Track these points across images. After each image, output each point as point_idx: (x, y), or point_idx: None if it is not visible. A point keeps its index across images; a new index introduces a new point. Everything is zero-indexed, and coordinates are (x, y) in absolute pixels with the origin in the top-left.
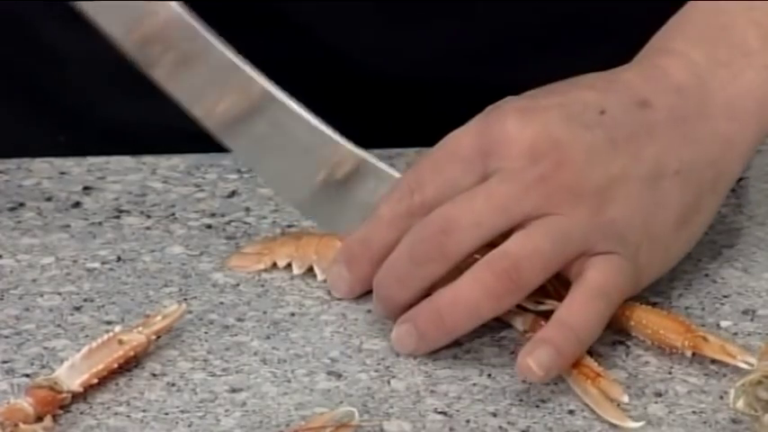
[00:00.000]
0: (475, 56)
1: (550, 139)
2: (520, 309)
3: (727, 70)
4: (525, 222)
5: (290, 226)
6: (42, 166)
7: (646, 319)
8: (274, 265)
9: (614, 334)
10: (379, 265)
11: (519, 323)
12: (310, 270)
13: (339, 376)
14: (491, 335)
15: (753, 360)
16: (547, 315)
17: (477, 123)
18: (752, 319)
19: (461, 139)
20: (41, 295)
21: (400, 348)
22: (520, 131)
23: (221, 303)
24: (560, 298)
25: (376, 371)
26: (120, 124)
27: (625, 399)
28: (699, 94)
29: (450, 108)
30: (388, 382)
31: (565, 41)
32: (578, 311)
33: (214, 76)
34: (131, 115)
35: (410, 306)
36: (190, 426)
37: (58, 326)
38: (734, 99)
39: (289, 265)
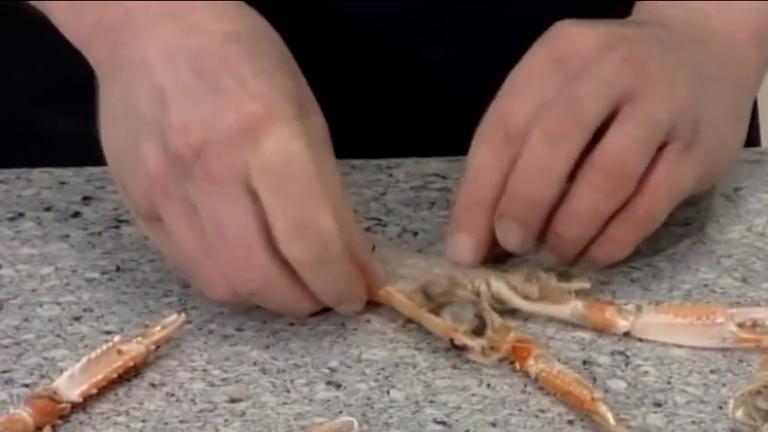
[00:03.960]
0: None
1: (616, 34)
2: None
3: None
4: (622, 105)
5: None
6: (42, 176)
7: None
8: None
9: (613, 344)
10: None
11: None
12: None
13: (338, 386)
14: None
15: None
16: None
17: (539, 44)
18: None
19: (530, 60)
20: (41, 305)
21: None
22: (586, 31)
23: (221, 313)
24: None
25: (375, 381)
26: None
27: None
28: (699, 22)
29: (456, 116)
30: (388, 392)
31: None
32: (660, 191)
33: None
34: None
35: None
36: None
37: (58, 336)
38: (729, 26)
39: None
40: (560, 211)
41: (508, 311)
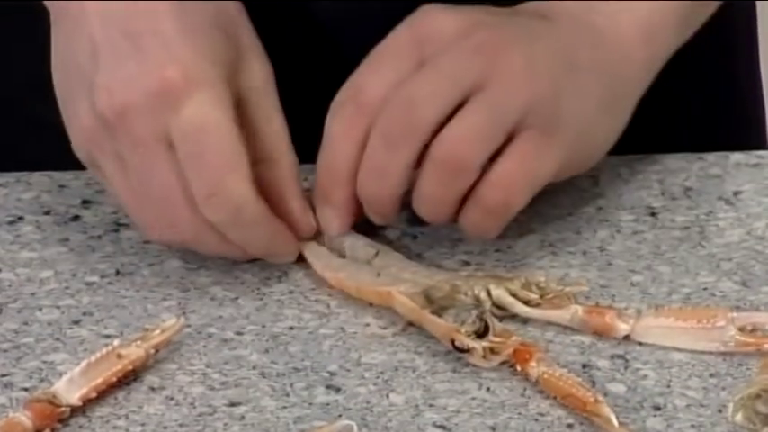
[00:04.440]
0: None
1: (478, 21)
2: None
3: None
4: (471, 95)
5: None
6: (41, 180)
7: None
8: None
9: (612, 348)
10: (353, 183)
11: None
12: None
13: (338, 390)
14: None
15: None
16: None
17: (404, 22)
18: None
19: (393, 38)
20: (40, 309)
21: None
22: (448, 16)
23: (220, 317)
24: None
25: (375, 384)
26: None
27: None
28: (584, 17)
29: None
30: (387, 396)
31: None
32: (511, 179)
33: None
34: None
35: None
36: None
37: (57, 339)
38: (618, 24)
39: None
40: (414, 192)
41: (507, 317)
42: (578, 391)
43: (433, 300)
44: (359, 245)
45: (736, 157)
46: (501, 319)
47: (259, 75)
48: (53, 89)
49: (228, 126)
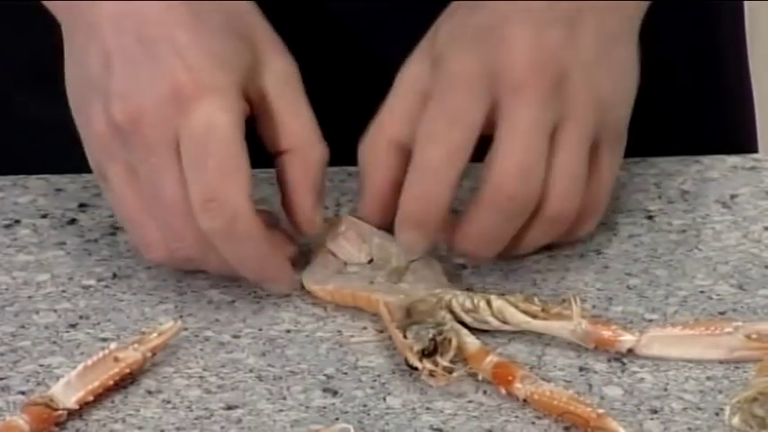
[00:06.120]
0: None
1: (547, 52)
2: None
3: None
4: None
5: None
6: (38, 183)
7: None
8: None
9: (609, 351)
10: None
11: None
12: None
13: (335, 393)
14: None
15: None
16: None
17: (472, 46)
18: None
19: (462, 70)
20: (37, 312)
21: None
22: (524, 50)
23: (217, 320)
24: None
25: (371, 388)
26: None
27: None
28: None
29: None
30: (384, 399)
31: None
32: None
33: None
34: None
35: None
36: None
37: (54, 343)
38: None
39: None
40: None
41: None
42: (577, 408)
43: (413, 313)
44: (392, 247)
45: (733, 160)
46: (497, 331)
47: (281, 70)
48: (49, 88)
49: (233, 134)
